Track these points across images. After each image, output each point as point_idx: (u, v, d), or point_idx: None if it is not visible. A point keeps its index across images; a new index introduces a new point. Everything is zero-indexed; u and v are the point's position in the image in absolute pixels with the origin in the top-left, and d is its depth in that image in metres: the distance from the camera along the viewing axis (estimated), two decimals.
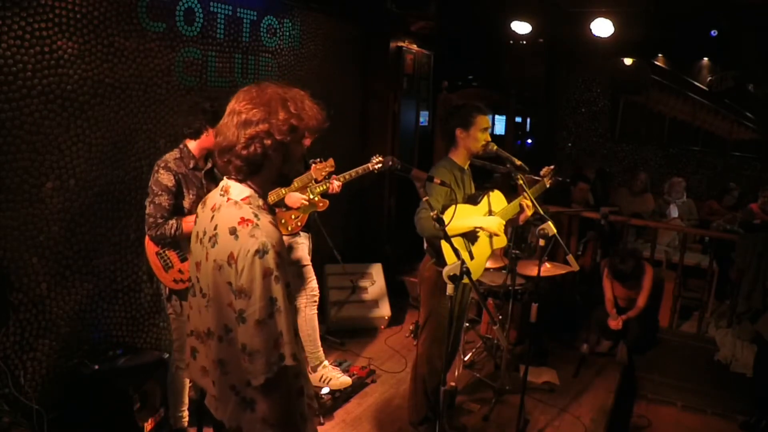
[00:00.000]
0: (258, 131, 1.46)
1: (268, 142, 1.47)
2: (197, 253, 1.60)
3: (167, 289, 2.83)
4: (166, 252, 2.79)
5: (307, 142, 1.62)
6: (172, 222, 2.70)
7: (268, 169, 1.53)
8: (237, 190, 1.54)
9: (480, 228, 2.94)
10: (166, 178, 2.70)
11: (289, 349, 1.44)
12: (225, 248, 1.45)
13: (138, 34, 3.20)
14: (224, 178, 1.59)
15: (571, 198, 5.78)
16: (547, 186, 3.34)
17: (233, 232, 1.45)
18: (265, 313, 1.40)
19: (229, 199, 1.53)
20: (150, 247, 2.81)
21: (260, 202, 1.55)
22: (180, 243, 2.79)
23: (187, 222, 2.72)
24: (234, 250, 1.43)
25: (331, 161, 3.42)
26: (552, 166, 3.35)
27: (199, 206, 1.66)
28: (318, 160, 3.39)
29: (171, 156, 2.77)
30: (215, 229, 1.50)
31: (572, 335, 4.70)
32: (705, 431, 3.64)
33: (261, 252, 1.40)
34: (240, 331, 1.43)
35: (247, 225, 1.44)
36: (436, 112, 6.11)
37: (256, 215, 1.47)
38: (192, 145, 2.80)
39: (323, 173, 3.38)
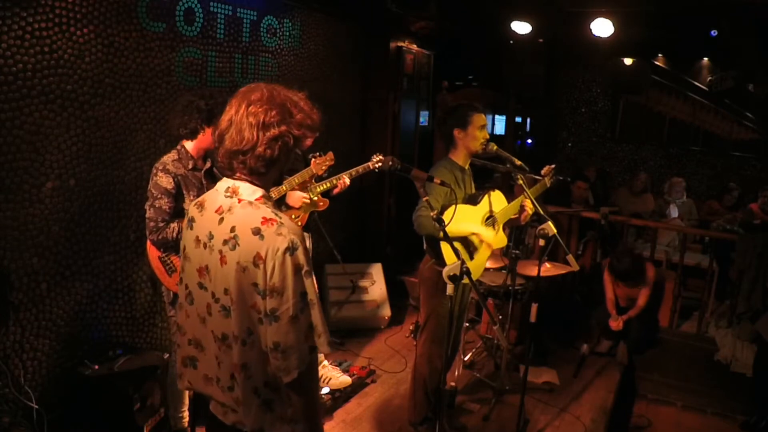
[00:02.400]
0: (281, 131, 1.48)
1: (289, 141, 1.50)
2: (200, 258, 1.57)
3: (171, 293, 2.80)
4: (169, 256, 2.76)
5: (309, 142, 1.63)
6: (174, 225, 2.66)
7: (275, 168, 1.55)
8: (248, 190, 1.53)
9: (476, 234, 2.95)
10: (165, 181, 2.66)
11: (325, 338, 1.49)
12: (249, 249, 1.45)
13: (138, 34, 3.20)
14: (224, 178, 1.57)
15: (571, 198, 5.79)
16: (548, 185, 3.34)
17: (257, 232, 1.45)
18: (297, 309, 1.44)
19: (240, 200, 1.52)
20: (152, 252, 2.77)
21: (271, 201, 1.56)
22: None
23: None
24: (261, 251, 1.43)
25: (330, 155, 3.39)
26: (552, 165, 3.35)
27: (194, 209, 1.62)
28: (317, 154, 3.38)
29: (169, 158, 2.72)
30: (232, 231, 1.49)
31: (572, 335, 4.70)
32: (705, 431, 3.63)
33: (291, 249, 1.43)
34: (271, 329, 1.44)
35: (272, 224, 1.45)
36: (436, 112, 6.11)
37: (276, 214, 1.49)
38: (189, 145, 2.76)
39: (323, 167, 3.36)
